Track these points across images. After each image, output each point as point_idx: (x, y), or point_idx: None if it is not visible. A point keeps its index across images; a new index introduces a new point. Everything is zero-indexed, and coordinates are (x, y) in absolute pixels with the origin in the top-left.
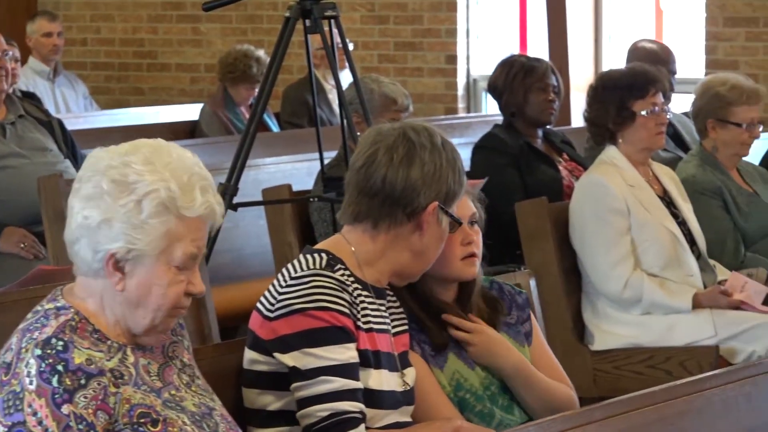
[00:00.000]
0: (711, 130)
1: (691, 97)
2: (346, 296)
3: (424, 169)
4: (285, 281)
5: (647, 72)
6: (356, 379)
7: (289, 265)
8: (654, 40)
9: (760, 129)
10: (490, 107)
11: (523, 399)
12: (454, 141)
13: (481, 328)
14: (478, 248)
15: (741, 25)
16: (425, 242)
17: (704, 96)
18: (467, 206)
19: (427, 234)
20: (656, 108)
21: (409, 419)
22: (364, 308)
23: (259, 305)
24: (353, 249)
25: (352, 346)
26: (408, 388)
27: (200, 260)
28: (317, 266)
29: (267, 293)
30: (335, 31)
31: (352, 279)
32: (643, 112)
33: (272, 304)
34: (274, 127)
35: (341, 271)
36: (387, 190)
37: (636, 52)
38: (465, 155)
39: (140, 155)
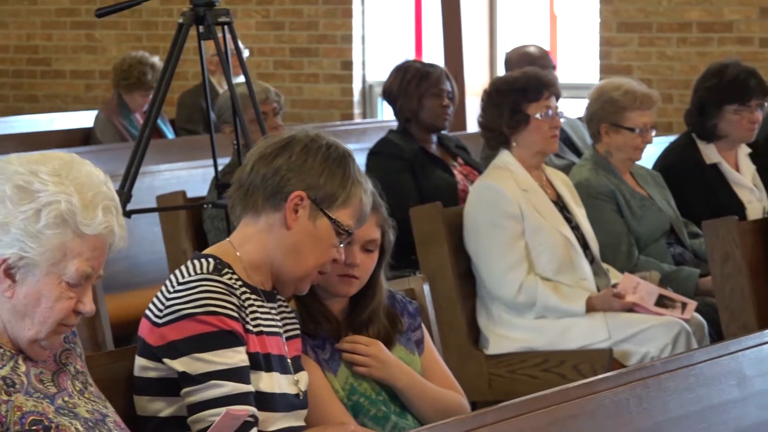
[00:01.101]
0: (604, 135)
1: (586, 102)
2: (235, 300)
3: (291, 158)
4: (173, 287)
5: (541, 75)
6: (247, 382)
7: (177, 271)
8: (533, 44)
9: (653, 133)
10: (386, 113)
11: (415, 410)
12: (350, 147)
13: (375, 353)
14: (363, 273)
15: (634, 31)
16: (295, 237)
17: (598, 101)
18: (369, 230)
19: (295, 227)
20: (550, 111)
21: (302, 423)
22: (253, 311)
23: (147, 312)
24: (238, 253)
25: (242, 349)
26: (301, 392)
27: (94, 281)
28: (205, 271)
29: (155, 299)
30: (229, 37)
31: (240, 283)
32: (538, 115)
33: (161, 310)
34: (170, 134)
35: (229, 275)
36: (252, 177)
37: (515, 57)
38: (361, 161)
39: (50, 166)
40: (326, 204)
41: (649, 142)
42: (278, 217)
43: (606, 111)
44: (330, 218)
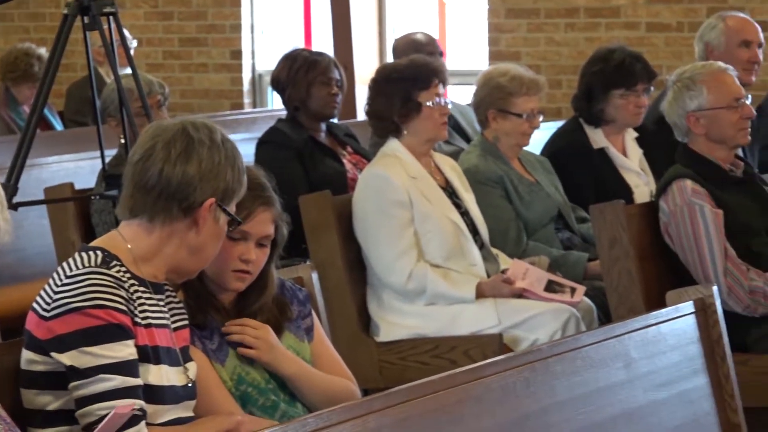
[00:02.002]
0: (492, 121)
1: (474, 89)
2: (123, 293)
3: (202, 165)
4: (60, 280)
5: (430, 63)
6: (135, 376)
7: (65, 264)
8: (420, 32)
9: (540, 119)
10: (276, 102)
11: (305, 398)
12: (240, 136)
13: (263, 336)
14: (255, 269)
15: (522, 17)
16: (202, 239)
17: (485, 87)
18: (264, 226)
19: (204, 231)
20: (439, 99)
21: (191, 414)
22: (141, 304)
23: (35, 305)
24: (129, 246)
25: (131, 343)
26: (190, 382)
27: None
28: (92, 264)
29: (43, 292)
30: (114, 27)
31: (128, 275)
32: (429, 103)
33: (48, 304)
34: (59, 126)
35: (117, 268)
36: (163, 185)
37: (402, 44)
38: (250, 150)
39: None
40: (226, 201)
41: (536, 127)
42: (186, 222)
43: (493, 97)
44: (228, 213)
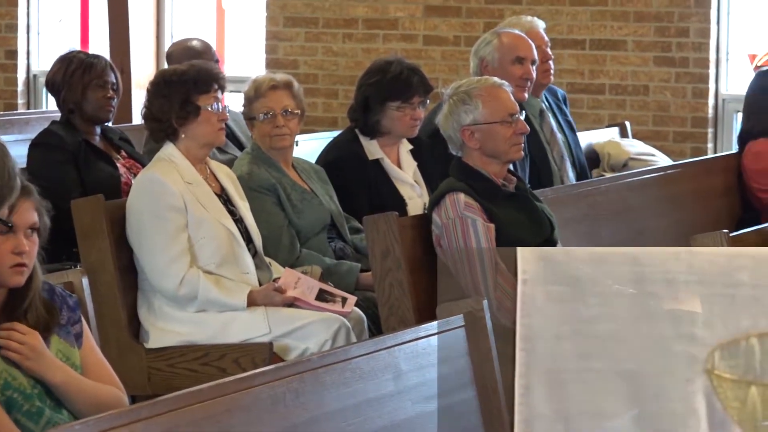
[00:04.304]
0: (252, 129)
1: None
2: None
3: None
4: None
5: (210, 68)
6: None
7: None
8: (196, 38)
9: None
10: (51, 104)
11: (71, 406)
12: (12, 138)
13: (31, 342)
14: (30, 259)
15: (301, 26)
16: None
17: (247, 96)
18: (28, 215)
19: None
20: (218, 104)
21: None
22: None
23: None
24: None
25: None
26: None
27: None
28: None
29: None
30: None
31: None
32: (208, 107)
33: None
34: None
35: None
36: None
37: (177, 51)
38: (23, 152)
39: None
40: None
41: (279, 125)
42: None
43: (245, 107)
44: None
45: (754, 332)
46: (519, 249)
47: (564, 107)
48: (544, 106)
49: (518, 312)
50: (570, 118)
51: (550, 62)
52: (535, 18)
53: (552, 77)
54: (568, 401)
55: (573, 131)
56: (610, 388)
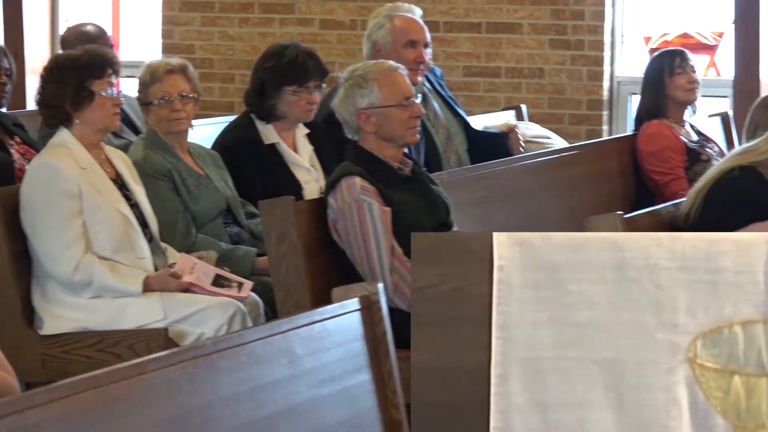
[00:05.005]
0: (148, 115)
1: None
2: None
3: None
4: None
5: (105, 53)
6: None
7: None
8: (90, 23)
9: (187, 102)
10: None
11: None
12: None
13: None
14: None
15: (197, 10)
16: None
17: (142, 80)
18: None
19: None
20: (112, 89)
21: None
22: None
23: None
24: None
25: None
26: None
27: None
28: None
29: None
30: None
31: None
32: (103, 92)
33: None
34: None
35: None
36: None
37: (71, 36)
38: None
39: None
40: None
41: (176, 110)
42: None
43: (141, 92)
44: None
45: (737, 320)
46: (495, 234)
47: (442, 83)
48: (426, 89)
49: (494, 299)
50: (450, 93)
51: (429, 49)
52: (413, 6)
53: (431, 62)
54: (546, 391)
55: (457, 104)
56: (589, 378)
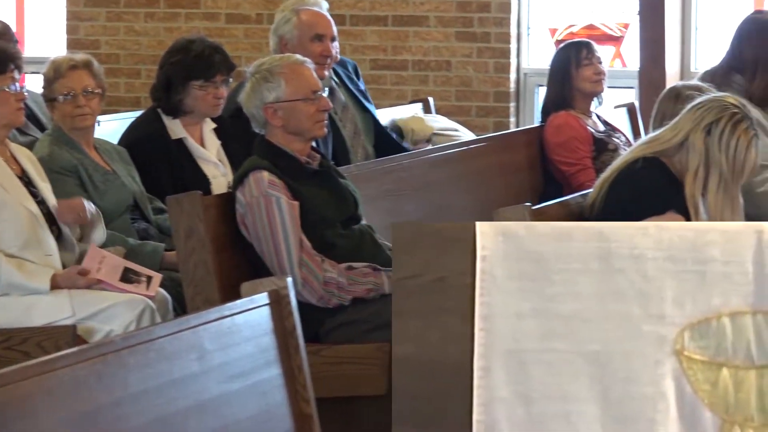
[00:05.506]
0: (53, 111)
1: None
2: None
3: None
4: None
5: (6, 48)
6: None
7: None
8: None
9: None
10: None
11: None
12: None
13: None
14: None
15: (102, 5)
16: None
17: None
18: None
19: None
20: (15, 85)
21: None
22: None
23: None
24: None
25: None
26: None
27: None
28: None
29: None
30: None
31: None
32: (5, 88)
33: None
34: None
35: None
36: None
37: None
38: None
39: None
40: None
41: (81, 105)
42: None
43: (45, 88)
44: None
45: (725, 311)
46: (478, 224)
47: (355, 78)
48: (333, 83)
49: (477, 290)
50: (362, 87)
51: (336, 43)
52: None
53: (338, 56)
54: (530, 383)
55: (368, 100)
56: (574, 370)
